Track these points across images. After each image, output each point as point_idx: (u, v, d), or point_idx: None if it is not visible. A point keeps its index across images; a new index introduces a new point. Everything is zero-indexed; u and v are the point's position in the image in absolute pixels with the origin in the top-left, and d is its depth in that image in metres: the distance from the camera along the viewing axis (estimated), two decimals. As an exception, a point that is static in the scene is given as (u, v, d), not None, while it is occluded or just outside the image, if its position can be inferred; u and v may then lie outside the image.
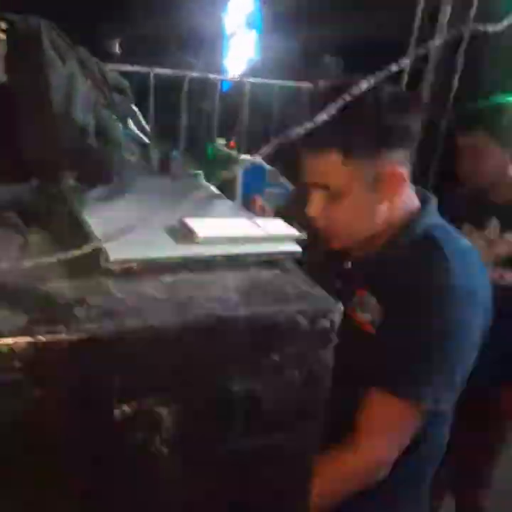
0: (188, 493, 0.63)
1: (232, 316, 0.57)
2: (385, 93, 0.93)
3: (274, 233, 0.70)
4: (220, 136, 3.75)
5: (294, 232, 0.71)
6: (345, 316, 0.95)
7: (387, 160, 0.95)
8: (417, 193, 1.06)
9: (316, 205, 0.99)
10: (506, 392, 1.66)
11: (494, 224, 1.67)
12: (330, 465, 0.96)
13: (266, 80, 4.00)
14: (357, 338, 0.97)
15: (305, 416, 0.65)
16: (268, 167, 3.12)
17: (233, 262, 0.66)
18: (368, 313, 0.99)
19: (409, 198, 1.03)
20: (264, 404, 0.62)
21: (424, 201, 1.05)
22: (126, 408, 0.55)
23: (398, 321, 0.94)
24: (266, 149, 0.58)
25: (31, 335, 0.48)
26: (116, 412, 0.54)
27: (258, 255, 0.67)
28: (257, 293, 0.62)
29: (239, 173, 3.07)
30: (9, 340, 0.48)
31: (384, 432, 0.96)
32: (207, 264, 0.65)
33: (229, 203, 0.87)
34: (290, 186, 3.06)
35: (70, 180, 0.84)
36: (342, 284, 1.07)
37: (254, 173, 2.97)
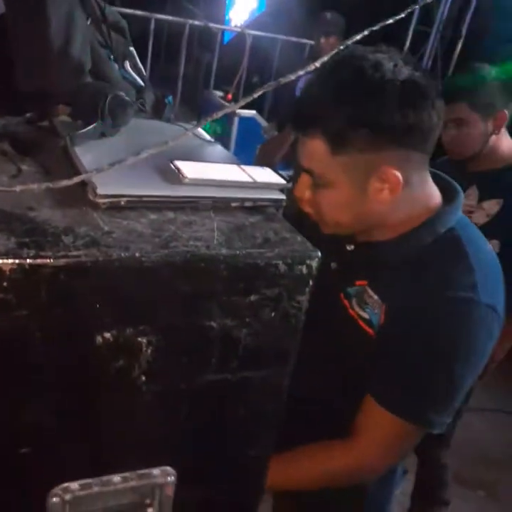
0: (165, 422, 0.66)
1: (214, 254, 0.59)
2: (395, 79, 0.79)
3: (260, 180, 0.72)
4: (218, 88, 3.70)
5: (280, 180, 0.73)
6: (339, 303, 0.95)
7: (382, 159, 0.83)
8: (442, 185, 0.95)
9: (300, 188, 0.90)
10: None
11: (472, 192, 1.70)
12: (321, 455, 0.96)
13: (268, 34, 3.93)
14: (352, 331, 0.93)
15: (278, 356, 0.68)
16: (263, 122, 3.10)
17: (218, 204, 0.68)
18: (368, 310, 0.92)
19: (424, 196, 0.91)
20: (240, 341, 0.65)
21: (449, 195, 0.93)
22: (107, 335, 0.57)
23: (405, 332, 0.86)
24: (247, 98, 0.60)
25: (19, 257, 0.51)
26: (98, 338, 0.57)
27: (243, 200, 0.69)
28: (240, 236, 0.64)
29: (234, 127, 3.06)
30: (-2, 261, 0.50)
31: (382, 445, 0.92)
32: (193, 205, 0.67)
33: (220, 149, 0.88)
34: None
35: (63, 116, 0.85)
36: (338, 266, 0.99)
37: (249, 128, 2.96)
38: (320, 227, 0.93)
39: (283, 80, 0.60)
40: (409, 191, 0.87)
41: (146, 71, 1.32)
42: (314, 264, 0.64)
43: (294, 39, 3.97)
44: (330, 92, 0.82)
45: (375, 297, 0.90)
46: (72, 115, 0.84)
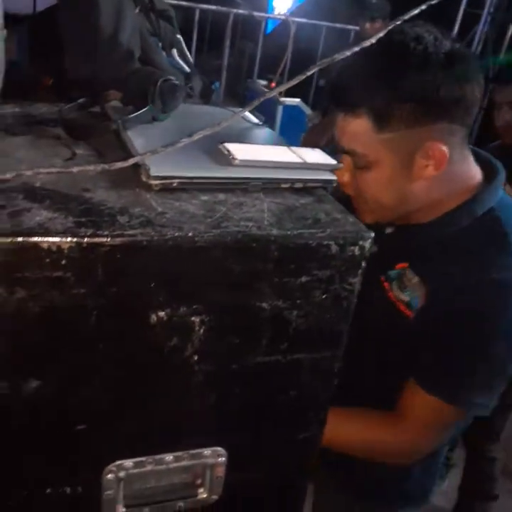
0: (216, 402, 0.67)
1: (265, 235, 0.59)
2: (438, 51, 0.79)
3: (310, 161, 0.71)
4: (262, 77, 3.69)
5: (331, 161, 0.72)
6: (379, 286, 0.95)
7: (427, 134, 0.82)
8: (483, 163, 0.93)
9: (343, 172, 0.88)
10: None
11: None
12: (371, 426, 0.96)
13: (312, 21, 3.89)
14: (391, 314, 0.93)
15: (329, 339, 0.68)
16: (308, 110, 3.08)
17: (268, 186, 0.68)
18: (407, 292, 0.91)
19: (465, 174, 0.90)
20: (291, 323, 0.64)
21: (490, 174, 0.92)
22: (161, 314, 0.58)
23: (445, 314, 0.85)
24: (287, 84, 0.59)
25: (77, 235, 0.52)
26: (153, 317, 0.58)
27: (293, 181, 0.69)
28: (290, 217, 0.63)
29: (278, 115, 3.05)
30: (57, 239, 0.51)
31: (428, 426, 0.92)
32: (243, 186, 0.67)
33: (269, 131, 0.87)
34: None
35: (115, 101, 0.86)
36: (379, 248, 0.99)
37: (293, 116, 2.94)
38: (360, 215, 0.91)
39: (324, 63, 0.59)
40: (451, 167, 0.86)
41: (196, 75, 1.32)
42: (367, 245, 0.63)
43: (338, 25, 3.92)
44: (372, 68, 0.81)
45: (416, 279, 0.90)
46: (124, 100, 0.85)
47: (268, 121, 0.91)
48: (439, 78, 0.79)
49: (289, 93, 3.47)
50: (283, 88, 0.59)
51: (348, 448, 0.97)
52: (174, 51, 1.36)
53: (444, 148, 0.82)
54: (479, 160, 0.93)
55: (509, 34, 3.63)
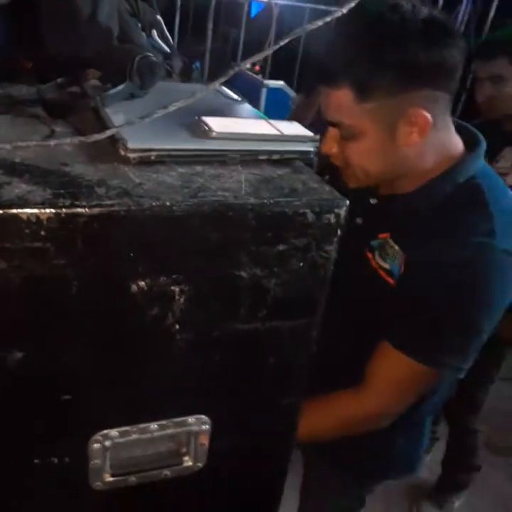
0: (198, 370, 0.68)
1: (242, 203, 0.60)
2: (415, 18, 0.80)
3: (287, 133, 0.72)
4: (245, 59, 3.68)
5: (307, 133, 0.74)
6: (363, 257, 0.97)
7: (410, 101, 0.83)
8: (464, 134, 0.95)
9: (328, 143, 0.90)
10: (504, 320, 1.69)
11: (507, 154, 1.67)
12: (332, 404, 0.98)
13: (296, 3, 3.86)
14: (372, 283, 0.95)
15: (307, 306, 0.69)
16: (292, 93, 3.07)
17: (246, 158, 0.69)
18: (388, 260, 0.94)
19: (448, 142, 0.92)
20: (269, 291, 0.66)
21: (471, 145, 0.93)
22: (141, 283, 0.59)
23: (422, 279, 0.87)
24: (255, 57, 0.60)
25: (55, 206, 0.53)
26: (133, 286, 0.59)
27: (270, 153, 0.70)
28: (267, 187, 0.65)
29: (262, 97, 3.04)
30: (36, 210, 0.52)
31: (395, 387, 0.94)
32: (220, 158, 0.68)
33: (248, 107, 0.88)
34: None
35: (93, 80, 0.86)
36: (363, 220, 1.00)
37: (277, 99, 2.94)
38: (346, 183, 0.94)
39: (290, 37, 0.60)
40: (435, 134, 0.88)
41: (176, 55, 1.32)
42: (342, 212, 0.65)
43: (321, 7, 3.89)
44: (351, 39, 0.82)
45: (396, 248, 0.92)
46: (102, 79, 0.86)
47: (252, 104, 0.92)
48: (417, 44, 0.80)
49: (273, 76, 3.47)
50: (251, 61, 0.60)
51: (323, 436, 1.00)
52: (154, 32, 1.36)
53: (427, 114, 0.84)
54: (460, 130, 0.95)
55: (491, 15, 3.63)
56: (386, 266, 0.93)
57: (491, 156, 1.70)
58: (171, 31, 3.32)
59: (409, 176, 0.93)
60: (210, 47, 3.69)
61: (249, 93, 1.02)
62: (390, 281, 0.93)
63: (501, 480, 2.32)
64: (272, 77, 3.37)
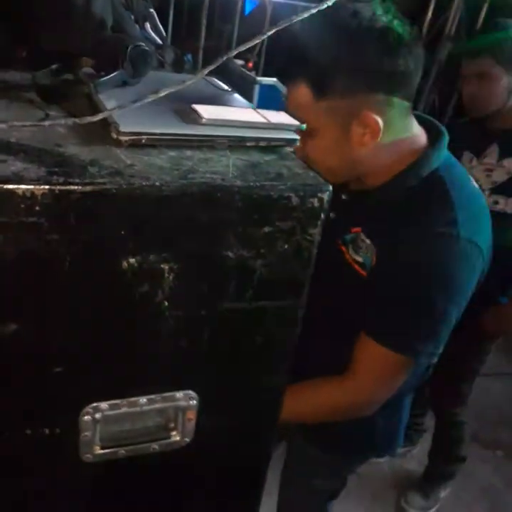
0: (186, 347, 0.71)
1: (229, 186, 0.63)
2: (372, 26, 0.84)
3: (275, 121, 0.75)
4: (239, 56, 3.69)
5: (294, 122, 0.76)
6: (337, 251, 1.01)
7: (363, 103, 0.87)
8: (428, 128, 0.99)
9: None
10: (487, 314, 1.74)
11: (493, 150, 1.70)
12: (318, 392, 1.02)
13: (289, 1, 3.89)
14: (347, 275, 0.99)
15: (291, 287, 0.72)
16: (284, 90, 3.10)
17: (234, 143, 0.71)
18: (361, 254, 0.97)
19: (408, 141, 0.95)
20: (255, 272, 0.69)
21: (434, 137, 0.97)
22: (132, 261, 0.62)
23: (392, 269, 0.91)
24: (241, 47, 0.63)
25: (50, 183, 0.55)
26: (124, 263, 0.62)
27: (258, 139, 0.72)
28: (254, 171, 0.67)
29: (255, 94, 3.06)
30: (30, 186, 0.54)
31: (378, 378, 0.98)
32: (209, 144, 0.70)
33: (237, 97, 0.91)
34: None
35: (86, 68, 0.89)
36: (336, 215, 1.01)
37: (269, 96, 2.96)
38: None
39: (265, 33, 0.62)
40: (392, 136, 0.92)
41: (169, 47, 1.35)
42: (326, 197, 0.67)
43: (314, 5, 3.92)
44: (310, 40, 0.86)
45: (368, 241, 0.96)
46: (96, 67, 0.88)
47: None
48: (371, 51, 0.84)
49: (266, 73, 3.49)
50: (238, 50, 0.63)
51: (306, 419, 1.04)
52: (147, 24, 1.38)
53: (378, 118, 0.88)
54: (424, 124, 0.99)
55: (482, 16, 3.67)
56: (359, 259, 0.97)
57: (477, 153, 1.74)
58: (165, 27, 3.33)
59: (373, 173, 0.97)
60: (204, 43, 3.71)
61: (242, 90, 1.04)
62: (363, 273, 0.97)
63: (488, 472, 2.36)
64: (265, 75, 3.39)
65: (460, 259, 0.88)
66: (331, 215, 1.01)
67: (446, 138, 0.97)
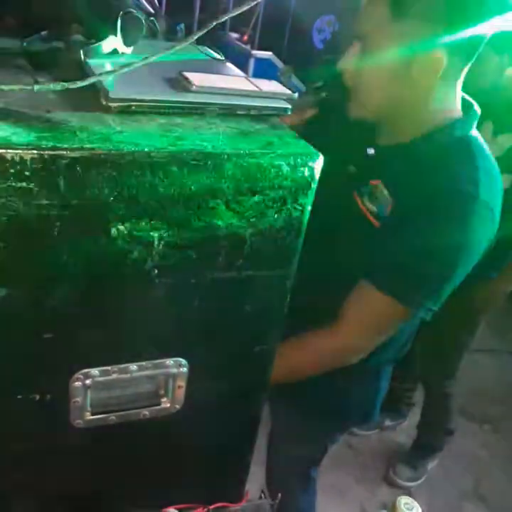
0: (177, 314, 0.71)
1: (219, 153, 0.63)
2: None
3: (266, 89, 0.75)
4: (234, 29, 3.65)
5: (285, 90, 0.76)
6: (351, 200, 1.02)
7: (436, 41, 0.86)
8: (462, 99, 1.00)
9: (348, 56, 0.94)
10: (479, 289, 1.75)
11: (487, 127, 1.70)
12: (309, 340, 1.03)
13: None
14: (358, 224, 1.00)
15: (281, 257, 0.73)
16: (280, 64, 3.07)
17: (224, 111, 0.71)
18: (376, 203, 0.98)
19: (451, 100, 0.96)
20: (246, 241, 0.69)
21: (467, 109, 0.99)
22: (121, 227, 0.62)
23: (407, 222, 0.92)
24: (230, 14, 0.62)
25: (39, 148, 0.55)
26: (113, 230, 0.62)
27: (249, 108, 0.72)
28: (245, 140, 0.67)
29: (250, 68, 3.04)
30: (20, 151, 0.54)
31: (367, 324, 0.99)
32: (200, 111, 0.70)
33: (230, 66, 0.90)
34: (301, 86, 3.03)
35: (77, 35, 0.87)
36: (357, 169, 1.05)
37: (264, 70, 2.94)
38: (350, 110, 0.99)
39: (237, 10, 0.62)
40: (442, 88, 0.93)
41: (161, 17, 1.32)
42: (316, 166, 0.67)
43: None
44: None
45: (385, 192, 0.96)
46: (86, 34, 0.87)
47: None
48: None
49: (262, 47, 3.45)
50: (226, 17, 0.62)
51: (301, 371, 1.04)
52: (139, -7, 1.35)
53: (445, 57, 0.87)
54: None
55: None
56: (374, 208, 0.98)
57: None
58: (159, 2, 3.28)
59: (408, 124, 0.97)
60: (200, 18, 3.66)
61: (238, 63, 1.04)
62: (376, 223, 0.97)
63: (475, 445, 2.41)
64: (260, 48, 3.36)
65: (475, 220, 0.89)
66: (351, 168, 1.05)
67: (477, 112, 0.99)
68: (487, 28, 0.87)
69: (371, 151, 1.04)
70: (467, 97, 1.02)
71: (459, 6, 0.85)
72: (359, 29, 0.93)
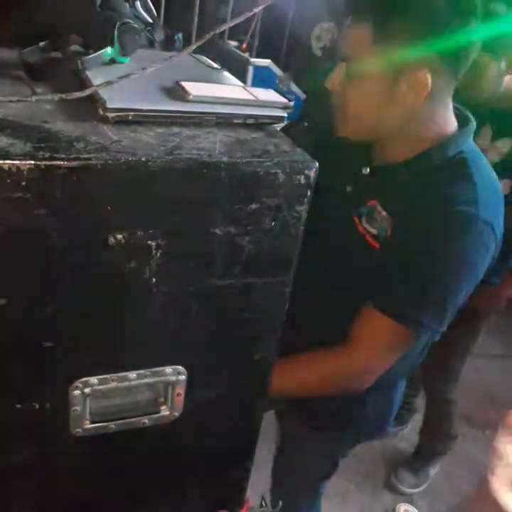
0: (175, 323, 0.72)
1: (215, 162, 0.63)
2: None
3: (262, 98, 0.75)
4: (233, 38, 3.66)
5: (282, 99, 0.76)
6: (350, 222, 1.03)
7: (419, 61, 0.87)
8: (456, 114, 1.00)
9: (334, 77, 0.95)
10: (481, 294, 1.75)
11: (486, 132, 1.71)
12: (319, 362, 1.02)
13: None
14: (358, 246, 1.00)
15: (279, 264, 0.73)
16: (279, 72, 3.08)
17: (221, 121, 0.72)
18: (376, 225, 0.98)
19: (443, 119, 0.97)
20: (243, 249, 0.69)
21: (462, 124, 0.99)
22: (119, 237, 0.62)
23: (407, 244, 0.92)
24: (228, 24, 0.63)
25: (35, 158, 0.55)
26: (111, 239, 0.62)
27: (245, 116, 0.73)
28: (241, 148, 0.68)
29: (248, 76, 3.04)
30: (16, 162, 0.55)
31: (380, 348, 0.99)
32: (196, 120, 0.71)
33: (227, 75, 0.91)
34: (301, 94, 3.04)
35: (74, 46, 0.88)
36: (353, 188, 1.05)
37: (263, 78, 2.94)
38: (338, 129, 0.99)
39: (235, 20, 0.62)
40: (430, 107, 0.93)
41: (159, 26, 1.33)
42: (312, 174, 0.68)
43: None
44: None
45: (384, 213, 0.96)
46: (84, 44, 0.87)
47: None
48: (445, 9, 0.84)
49: (260, 54, 3.46)
50: (224, 27, 0.63)
51: (302, 392, 1.04)
52: (137, 3, 1.36)
53: (429, 77, 0.87)
54: (454, 110, 1.00)
55: None
56: (373, 231, 0.98)
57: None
58: (158, 7, 3.29)
59: (400, 145, 0.97)
60: (198, 25, 3.67)
61: (236, 71, 1.04)
62: (376, 245, 0.97)
63: (477, 451, 2.39)
64: (258, 55, 3.37)
65: (476, 240, 0.89)
66: (348, 188, 1.06)
67: (474, 124, 0.99)
68: (471, 41, 0.88)
69: (366, 170, 1.05)
70: (462, 109, 1.02)
71: (440, 25, 0.85)
72: (342, 51, 0.93)
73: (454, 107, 1.01)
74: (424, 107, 0.92)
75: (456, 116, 1.00)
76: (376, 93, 0.92)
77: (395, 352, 1.00)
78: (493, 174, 0.99)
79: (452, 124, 0.98)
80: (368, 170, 1.04)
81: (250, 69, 3.07)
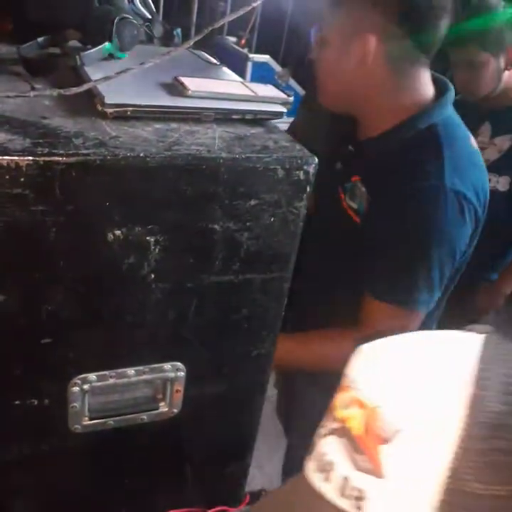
0: (174, 319, 0.71)
1: (214, 157, 0.63)
2: None
3: (261, 94, 0.75)
4: (232, 34, 3.65)
5: (281, 94, 0.76)
6: (336, 199, 1.03)
7: (371, 26, 0.87)
8: (435, 81, 0.99)
9: (314, 46, 0.97)
10: (479, 291, 1.75)
11: (486, 129, 1.71)
12: (325, 342, 1.03)
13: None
14: (342, 221, 1.02)
15: (278, 260, 0.73)
16: (277, 67, 3.07)
17: (220, 116, 0.71)
18: (356, 201, 1.00)
19: (415, 90, 0.95)
20: (242, 245, 0.69)
21: (440, 91, 0.97)
22: (117, 233, 0.62)
23: (383, 219, 0.93)
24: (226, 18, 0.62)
25: (34, 154, 0.55)
26: (109, 235, 0.62)
27: (244, 112, 0.72)
28: (240, 144, 0.68)
29: (247, 72, 3.04)
30: (15, 158, 0.54)
31: (384, 331, 1.00)
32: (195, 116, 0.70)
33: (226, 70, 0.90)
34: (300, 90, 3.03)
35: (73, 41, 0.88)
36: (342, 166, 1.07)
37: (262, 73, 2.94)
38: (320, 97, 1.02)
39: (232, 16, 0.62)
40: (396, 77, 0.93)
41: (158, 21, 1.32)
42: (311, 170, 0.68)
43: (308, -18, 3.86)
44: None
45: (363, 189, 0.98)
46: (82, 40, 0.87)
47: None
48: None
49: (258, 50, 3.45)
50: (223, 22, 0.63)
51: (308, 367, 1.05)
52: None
53: (375, 43, 0.88)
54: (434, 82, 0.99)
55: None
56: (354, 205, 1.00)
57: (471, 130, 1.74)
58: (156, 2, 3.28)
59: (373, 118, 0.98)
60: (197, 21, 3.66)
61: (235, 67, 1.04)
62: (356, 219, 0.99)
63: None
64: (257, 51, 3.36)
65: (447, 210, 0.90)
66: (338, 165, 1.07)
67: (451, 94, 0.98)
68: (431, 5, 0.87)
69: (351, 147, 1.06)
70: (440, 76, 1.01)
71: None
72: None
73: (436, 77, 1.00)
74: (390, 77, 0.92)
75: (436, 83, 0.99)
76: (335, 59, 0.94)
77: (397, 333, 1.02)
78: (470, 143, 0.99)
79: (427, 93, 0.97)
80: (352, 147, 1.05)
81: (249, 64, 3.07)
